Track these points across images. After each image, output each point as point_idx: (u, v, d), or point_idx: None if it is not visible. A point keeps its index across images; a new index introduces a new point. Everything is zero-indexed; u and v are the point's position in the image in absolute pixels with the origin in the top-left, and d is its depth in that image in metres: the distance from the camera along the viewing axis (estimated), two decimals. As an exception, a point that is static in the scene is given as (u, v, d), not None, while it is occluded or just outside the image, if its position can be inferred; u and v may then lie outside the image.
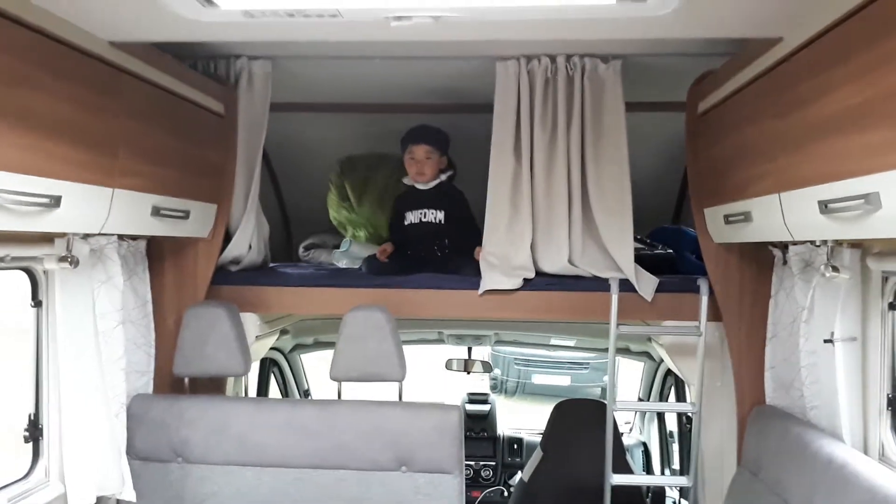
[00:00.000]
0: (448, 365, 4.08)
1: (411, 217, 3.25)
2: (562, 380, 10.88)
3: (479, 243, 3.02)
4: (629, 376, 5.75)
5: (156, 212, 2.44)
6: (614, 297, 2.78)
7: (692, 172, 2.86)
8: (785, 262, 2.47)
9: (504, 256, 2.90)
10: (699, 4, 1.75)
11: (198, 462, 2.60)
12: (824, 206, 1.78)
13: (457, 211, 3.22)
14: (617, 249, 2.87)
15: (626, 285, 2.85)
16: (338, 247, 3.74)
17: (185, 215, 2.66)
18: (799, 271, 2.42)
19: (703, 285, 2.77)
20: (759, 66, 2.16)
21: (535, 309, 2.93)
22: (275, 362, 3.92)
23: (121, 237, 2.54)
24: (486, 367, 4.27)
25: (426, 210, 3.22)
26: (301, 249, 4.36)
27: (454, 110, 3.51)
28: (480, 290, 2.87)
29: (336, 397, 2.84)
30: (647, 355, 4.16)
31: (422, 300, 2.98)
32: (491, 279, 2.87)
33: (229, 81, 2.99)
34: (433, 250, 3.21)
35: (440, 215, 3.20)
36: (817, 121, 1.81)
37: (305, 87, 3.44)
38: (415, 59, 2.94)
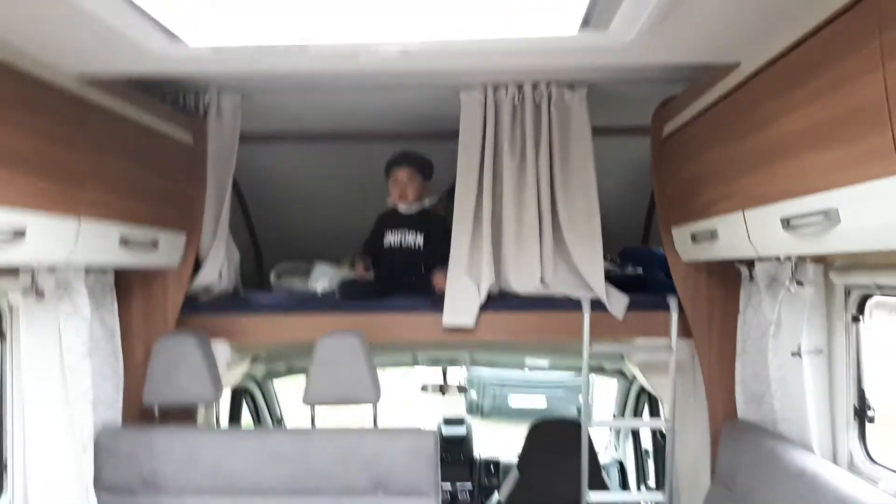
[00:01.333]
0: (424, 388, 4.07)
1: (391, 237, 3.27)
2: (538, 401, 10.87)
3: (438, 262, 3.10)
4: (605, 395, 5.77)
5: (123, 241, 2.41)
6: (586, 317, 2.81)
7: (659, 194, 2.92)
8: (752, 279, 2.52)
9: (465, 286, 2.91)
10: (659, 32, 1.81)
11: (169, 492, 2.55)
12: (786, 223, 1.83)
13: (436, 235, 3.23)
14: (588, 270, 2.90)
15: (597, 305, 2.88)
16: (309, 273, 3.73)
17: (154, 245, 2.63)
18: (765, 287, 2.47)
19: (673, 303, 2.81)
20: (719, 91, 2.22)
21: (507, 330, 2.95)
22: (247, 391, 3.87)
23: (87, 269, 2.51)
24: (462, 390, 4.27)
25: (406, 232, 3.26)
26: (273, 276, 4.34)
27: (423, 138, 3.54)
28: (443, 325, 2.88)
29: (310, 422, 2.82)
30: (621, 373, 4.20)
31: (395, 324, 2.98)
32: (452, 314, 2.89)
33: (198, 113, 2.99)
34: (408, 274, 3.22)
35: (420, 239, 3.23)
36: (777, 141, 1.87)
37: (274, 117, 3.45)
38: (382, 88, 2.96)
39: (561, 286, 2.93)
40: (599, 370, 4.18)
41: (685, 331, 2.86)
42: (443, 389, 4.06)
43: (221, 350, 3.01)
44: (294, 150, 3.93)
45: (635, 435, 4.78)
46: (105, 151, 2.30)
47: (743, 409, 2.72)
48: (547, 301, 2.93)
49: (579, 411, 12.00)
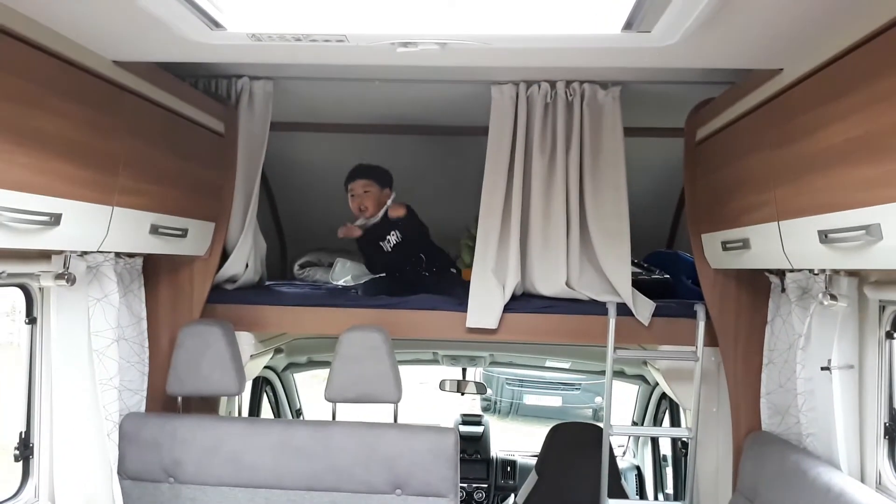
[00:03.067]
0: (441, 385, 4.05)
1: (375, 254, 3.29)
2: (553, 400, 10.84)
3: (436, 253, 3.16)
4: (622, 398, 5.73)
5: (154, 230, 2.43)
6: (611, 321, 2.78)
7: (690, 198, 2.88)
8: (783, 290, 2.48)
9: (490, 285, 2.89)
10: (702, 36, 1.77)
11: (189, 482, 2.57)
12: (824, 236, 1.79)
13: (408, 225, 3.21)
14: (614, 273, 2.87)
15: (623, 309, 2.85)
16: (332, 265, 3.75)
17: (184, 233, 2.65)
18: (796, 298, 2.43)
19: (700, 311, 2.78)
20: (758, 97, 2.18)
21: (531, 331, 2.93)
22: (267, 381, 3.88)
23: (118, 255, 2.53)
24: (480, 389, 4.25)
25: (382, 239, 3.26)
26: (296, 267, 4.36)
27: (453, 133, 3.53)
28: (467, 325, 2.87)
29: (330, 418, 2.82)
30: (642, 379, 4.16)
31: (417, 321, 2.97)
32: (476, 314, 2.88)
33: (230, 100, 3.00)
34: (415, 271, 3.21)
35: (396, 236, 3.23)
36: (817, 152, 1.83)
37: (305, 107, 3.45)
38: (415, 82, 2.96)
39: (586, 289, 2.91)
40: (620, 374, 4.15)
41: (711, 339, 2.83)
42: (460, 388, 4.04)
43: (245, 340, 3.03)
44: (322, 140, 3.94)
45: (654, 441, 4.74)
46: (139, 138, 2.31)
47: (767, 422, 2.68)
48: (571, 304, 2.91)
49: (594, 412, 11.96)
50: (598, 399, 11.28)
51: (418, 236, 3.22)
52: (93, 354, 2.44)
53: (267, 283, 3.50)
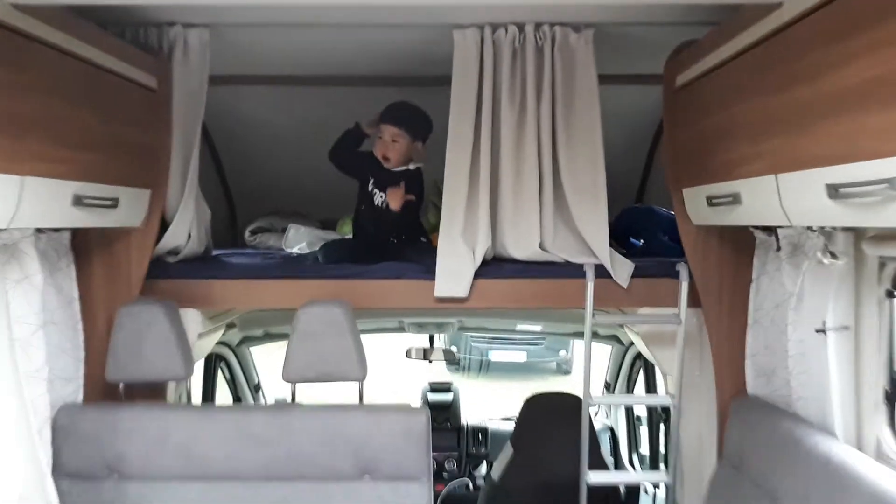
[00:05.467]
0: (408, 354, 3.86)
1: (370, 189, 3.00)
2: (518, 356, 10.81)
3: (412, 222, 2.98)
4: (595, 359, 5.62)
5: (78, 201, 2.13)
6: (590, 285, 2.60)
7: (669, 150, 2.69)
8: (778, 248, 2.31)
9: (459, 251, 2.68)
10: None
11: (135, 478, 2.34)
12: (834, 191, 1.61)
13: (414, 187, 2.96)
14: (590, 233, 2.68)
15: (600, 271, 2.67)
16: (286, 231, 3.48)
17: (114, 203, 2.35)
18: (787, 255, 2.26)
19: (683, 271, 2.61)
20: (751, 36, 1.97)
21: (504, 298, 2.74)
22: (222, 358, 3.63)
23: (39, 229, 2.23)
24: (448, 356, 4.07)
25: (379, 191, 2.98)
26: (247, 234, 4.08)
27: (413, 83, 3.26)
28: (435, 294, 2.66)
29: (290, 398, 2.61)
30: (616, 339, 4.02)
31: (382, 292, 2.75)
32: (444, 282, 2.66)
33: (162, 52, 2.67)
34: (388, 237, 2.97)
35: (385, 200, 2.96)
36: (826, 96, 1.64)
37: (249, 58, 3.15)
38: (367, 27, 2.69)
39: (561, 251, 2.71)
40: (594, 336, 4.00)
41: (693, 300, 2.67)
42: (427, 356, 3.84)
43: (192, 318, 2.77)
44: (271, 94, 3.64)
45: (627, 398, 4.64)
46: (52, 96, 2.00)
47: (752, 384, 2.55)
48: (546, 267, 2.71)
49: (558, 366, 11.99)
50: (563, 353, 11.30)
51: (411, 209, 2.97)
52: (15, 344, 2.16)
53: (214, 253, 3.22)
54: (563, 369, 11.57)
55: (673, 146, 2.67)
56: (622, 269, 2.67)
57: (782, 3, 1.80)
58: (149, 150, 2.60)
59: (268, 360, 4.38)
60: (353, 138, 2.98)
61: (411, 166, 2.97)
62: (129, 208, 2.49)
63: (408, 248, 2.91)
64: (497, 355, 10.75)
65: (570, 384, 10.79)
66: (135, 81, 2.48)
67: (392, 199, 2.88)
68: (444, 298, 2.68)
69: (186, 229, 2.76)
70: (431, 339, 3.90)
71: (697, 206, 2.53)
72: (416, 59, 3.01)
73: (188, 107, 2.70)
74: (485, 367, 10.88)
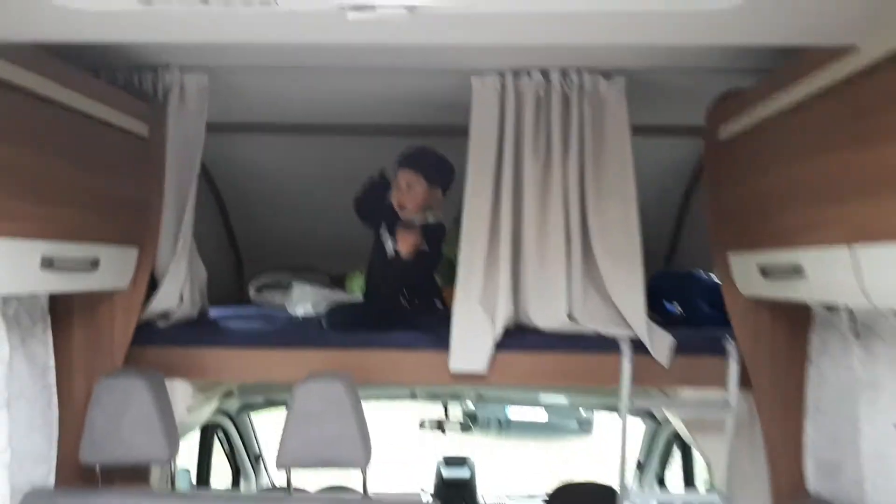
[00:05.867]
0: (422, 425, 3.54)
1: (385, 240, 2.73)
2: (538, 414, 10.36)
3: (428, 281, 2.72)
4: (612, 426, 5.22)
5: (48, 263, 1.89)
6: (626, 363, 2.30)
7: (712, 210, 2.41)
8: (856, 332, 1.98)
9: (476, 319, 2.40)
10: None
11: None
12: (936, 271, 1.31)
13: (429, 248, 2.69)
14: (625, 301, 2.39)
15: (636, 345, 2.37)
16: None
17: (93, 264, 2.11)
18: (857, 336, 1.95)
19: (731, 349, 2.30)
20: (818, 83, 1.70)
21: (527, 374, 2.44)
22: (219, 426, 3.34)
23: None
24: (465, 427, 3.74)
25: (391, 244, 2.72)
26: (252, 290, 3.84)
27: (428, 132, 3.03)
28: (450, 370, 2.38)
29: (285, 484, 2.31)
30: (649, 415, 3.67)
31: (391, 364, 2.46)
32: (460, 356, 2.38)
33: (157, 98, 2.47)
34: (398, 296, 2.70)
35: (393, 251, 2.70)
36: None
37: (257, 103, 2.95)
38: (378, 71, 2.48)
39: (592, 321, 2.42)
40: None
41: (742, 380, 2.35)
42: (442, 426, 3.52)
43: (180, 391, 2.50)
44: (281, 142, 3.43)
45: (661, 479, 4.24)
46: (18, 145, 1.78)
47: (814, 481, 2.21)
48: (575, 339, 2.42)
49: (580, 424, 11.49)
50: (583, 411, 10.82)
51: (425, 261, 2.70)
52: (-30, 425, 1.90)
53: (213, 314, 2.97)
54: (585, 429, 11.08)
55: (717, 205, 2.39)
56: (662, 344, 2.37)
57: (859, 48, 1.54)
58: (137, 204, 2.37)
59: (271, 422, 4.09)
60: (378, 186, 2.75)
61: (430, 219, 2.70)
62: (112, 269, 2.25)
63: (421, 315, 2.62)
64: (516, 413, 10.30)
65: (591, 445, 10.31)
66: (123, 129, 2.27)
67: (402, 242, 2.60)
68: (460, 374, 2.39)
69: (178, 290, 2.51)
70: (446, 407, 3.60)
71: (747, 275, 2.24)
72: (431, 106, 2.79)
73: (183, 156, 2.48)
74: (504, 426, 10.43)
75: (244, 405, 3.42)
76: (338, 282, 3.71)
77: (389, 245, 2.70)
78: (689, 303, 2.86)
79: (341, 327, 2.54)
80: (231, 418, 3.37)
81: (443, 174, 2.72)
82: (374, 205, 2.76)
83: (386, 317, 2.62)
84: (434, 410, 3.62)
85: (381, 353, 2.45)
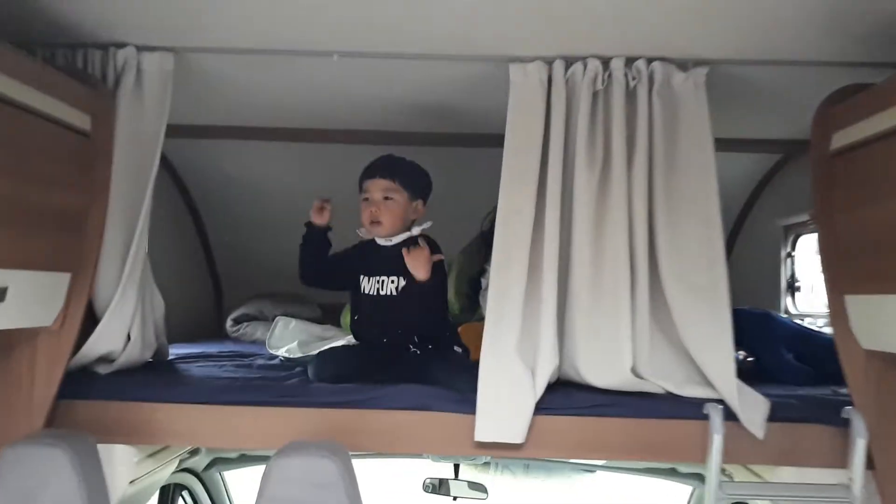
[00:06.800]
0: (425, 487, 2.99)
1: (365, 285, 2.16)
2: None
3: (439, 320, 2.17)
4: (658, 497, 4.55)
5: (-79, 293, 1.33)
6: (716, 436, 1.73)
7: (825, 241, 1.86)
8: None
9: (512, 373, 1.84)
10: None
11: None
12: None
13: (430, 280, 2.06)
14: (705, 350, 1.85)
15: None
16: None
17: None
18: None
19: (857, 419, 1.74)
20: None
21: (577, 446, 1.87)
22: (183, 487, 2.76)
23: None
24: (478, 489, 3.17)
25: (383, 277, 2.13)
26: (229, 323, 3.29)
27: (449, 141, 2.53)
28: (476, 439, 1.81)
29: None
30: (701, 479, 3.07)
31: (396, 429, 1.89)
32: (490, 422, 1.81)
33: (105, 83, 1.93)
34: (399, 341, 2.13)
35: (397, 283, 2.10)
36: None
37: (236, 102, 2.46)
38: (393, 57, 1.97)
39: (662, 378, 1.86)
40: (667, 472, 3.07)
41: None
42: (452, 491, 2.95)
43: (121, 459, 1.92)
44: (267, 150, 2.94)
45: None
46: None
47: None
48: (639, 400, 1.85)
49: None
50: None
51: (437, 288, 2.11)
52: None
53: (178, 352, 2.41)
54: (613, 464, 10.19)
55: (830, 236, 1.84)
56: (754, 410, 1.80)
57: None
58: (70, 218, 1.82)
59: (249, 479, 3.45)
60: (314, 242, 2.17)
61: (415, 230, 2.13)
62: (29, 301, 1.69)
63: (434, 362, 2.04)
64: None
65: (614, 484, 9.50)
66: (57, 121, 1.73)
67: (414, 264, 2.01)
68: (488, 444, 1.82)
69: (124, 327, 1.94)
70: (457, 468, 3.05)
71: (870, 325, 1.70)
72: (455, 107, 2.30)
73: (135, 158, 1.94)
74: (529, 465, 9.60)
75: (214, 460, 2.85)
76: (331, 314, 3.15)
77: (377, 286, 2.12)
78: (766, 351, 2.31)
79: (332, 379, 1.97)
80: (198, 477, 2.80)
81: (423, 182, 2.19)
82: (327, 264, 2.18)
83: (389, 365, 2.05)
84: (441, 468, 3.06)
85: (384, 416, 1.88)
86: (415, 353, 2.09)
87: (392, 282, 2.09)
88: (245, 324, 3.22)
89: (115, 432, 1.87)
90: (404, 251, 2.03)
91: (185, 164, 3.14)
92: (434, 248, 2.09)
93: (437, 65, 2.03)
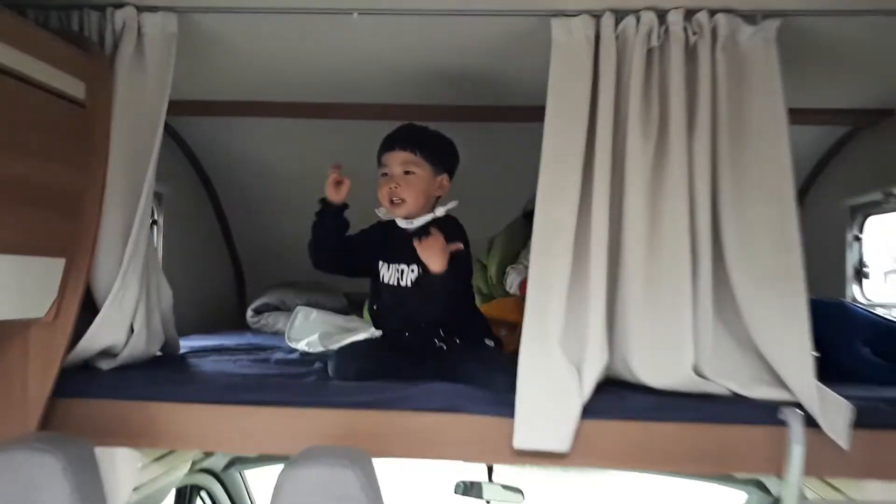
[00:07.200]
0: (457, 489, 2.78)
1: (385, 273, 1.92)
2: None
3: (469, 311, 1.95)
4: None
5: None
6: (796, 446, 1.50)
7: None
8: None
9: (555, 370, 1.62)
10: None
11: None
12: None
13: (454, 267, 1.78)
14: (779, 347, 1.61)
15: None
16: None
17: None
18: None
19: None
20: None
21: (630, 454, 1.64)
22: (200, 487, 2.61)
23: None
24: (515, 492, 2.96)
25: (402, 266, 1.88)
26: (250, 313, 3.12)
27: (489, 117, 2.32)
28: (515, 446, 1.60)
29: None
30: (759, 486, 2.81)
31: (424, 433, 1.68)
32: (530, 428, 1.59)
33: (101, 48, 1.75)
34: (423, 335, 1.90)
35: (416, 272, 1.85)
36: None
37: (251, 73, 2.26)
38: (421, 14, 1.77)
39: (729, 377, 1.63)
40: (719, 479, 2.82)
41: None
42: (484, 494, 2.75)
43: (123, 463, 1.74)
44: (290, 129, 2.74)
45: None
46: None
47: None
48: (703, 404, 1.62)
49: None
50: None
51: (458, 278, 1.82)
52: None
53: (193, 343, 2.25)
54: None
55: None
56: (836, 415, 1.56)
57: None
58: (64, 196, 1.64)
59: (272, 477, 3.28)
60: (328, 222, 1.90)
61: (439, 212, 1.88)
62: (18, 290, 1.52)
63: (465, 358, 1.82)
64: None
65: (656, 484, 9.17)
66: (48, 88, 1.56)
67: (428, 254, 1.74)
68: (528, 452, 1.61)
69: (127, 318, 1.77)
70: (490, 470, 2.84)
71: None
72: (490, 74, 2.08)
73: (137, 132, 1.76)
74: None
75: (233, 459, 2.69)
76: (357, 305, 2.96)
77: (397, 275, 1.88)
78: (839, 345, 2.05)
79: (354, 377, 1.77)
80: (217, 477, 2.64)
81: (448, 153, 1.92)
82: (343, 247, 1.91)
83: (414, 362, 1.84)
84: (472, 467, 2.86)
85: (411, 418, 1.68)
86: (441, 347, 1.87)
87: (412, 271, 1.84)
88: (266, 314, 3.05)
89: (115, 434, 1.70)
90: (416, 242, 1.75)
91: (202, 144, 2.97)
92: (456, 232, 1.83)
93: (470, 23, 1.82)
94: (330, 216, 1.88)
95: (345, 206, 1.88)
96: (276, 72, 2.22)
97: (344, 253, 1.93)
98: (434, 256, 1.73)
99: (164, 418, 1.72)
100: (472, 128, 2.35)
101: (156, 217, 2.80)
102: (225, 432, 1.71)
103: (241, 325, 3.16)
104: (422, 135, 1.89)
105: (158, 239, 2.82)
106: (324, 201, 1.89)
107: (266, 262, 3.44)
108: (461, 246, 1.78)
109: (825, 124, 2.52)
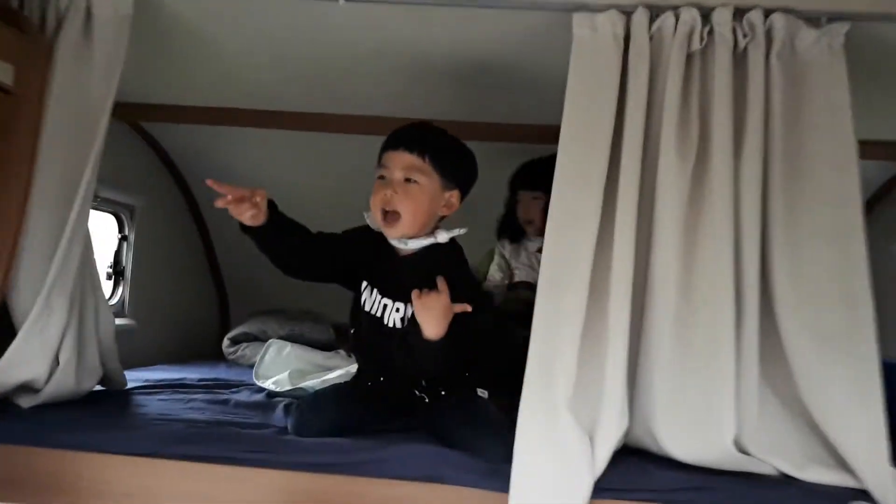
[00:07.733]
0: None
1: (367, 298, 1.58)
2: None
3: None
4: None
5: None
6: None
7: None
8: None
9: (561, 435, 1.32)
10: None
11: None
12: None
13: (464, 288, 1.48)
14: (841, 421, 1.31)
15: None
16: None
17: None
18: None
19: None
20: None
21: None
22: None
23: None
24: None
25: (386, 300, 1.55)
26: (226, 342, 2.83)
27: (494, 136, 2.05)
28: None
29: None
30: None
31: (401, 505, 1.38)
32: (529, 490, 1.28)
33: (41, 29, 1.49)
34: (402, 382, 1.59)
35: (402, 312, 1.54)
36: None
37: (221, 71, 1.97)
38: (418, 4, 1.51)
39: (777, 455, 1.32)
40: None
41: None
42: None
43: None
44: (279, 139, 2.46)
45: None
46: None
47: None
48: (743, 486, 1.31)
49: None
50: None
51: (460, 339, 1.45)
52: None
53: (147, 375, 1.95)
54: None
55: None
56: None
57: None
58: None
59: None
60: (263, 242, 1.52)
61: (441, 237, 1.55)
62: None
63: (452, 415, 1.50)
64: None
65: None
66: None
67: (426, 316, 1.41)
68: None
69: (50, 349, 1.48)
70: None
71: None
72: (499, 79, 1.84)
73: (75, 128, 1.49)
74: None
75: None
76: (345, 338, 2.67)
77: (379, 309, 1.55)
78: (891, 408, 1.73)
79: (316, 432, 1.46)
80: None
81: (465, 164, 1.58)
82: (318, 247, 1.57)
83: (391, 413, 1.54)
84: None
85: (384, 486, 1.37)
86: (422, 398, 1.56)
87: (397, 310, 1.52)
88: (244, 344, 2.76)
89: (26, 490, 1.40)
90: (414, 294, 1.41)
91: (181, 152, 2.71)
92: (459, 268, 1.53)
93: (476, 18, 1.55)
94: (260, 239, 1.50)
95: (273, 215, 1.48)
96: (248, 68, 1.94)
97: (311, 258, 1.56)
98: (433, 320, 1.39)
99: (84, 472, 1.42)
100: (496, 148, 2.07)
101: (126, 233, 2.56)
102: (155, 493, 1.41)
103: (221, 355, 2.87)
104: (436, 137, 1.54)
105: (128, 256, 2.56)
106: (244, 228, 1.48)
107: (253, 284, 3.15)
108: (468, 308, 1.42)
109: (890, 159, 2.20)
